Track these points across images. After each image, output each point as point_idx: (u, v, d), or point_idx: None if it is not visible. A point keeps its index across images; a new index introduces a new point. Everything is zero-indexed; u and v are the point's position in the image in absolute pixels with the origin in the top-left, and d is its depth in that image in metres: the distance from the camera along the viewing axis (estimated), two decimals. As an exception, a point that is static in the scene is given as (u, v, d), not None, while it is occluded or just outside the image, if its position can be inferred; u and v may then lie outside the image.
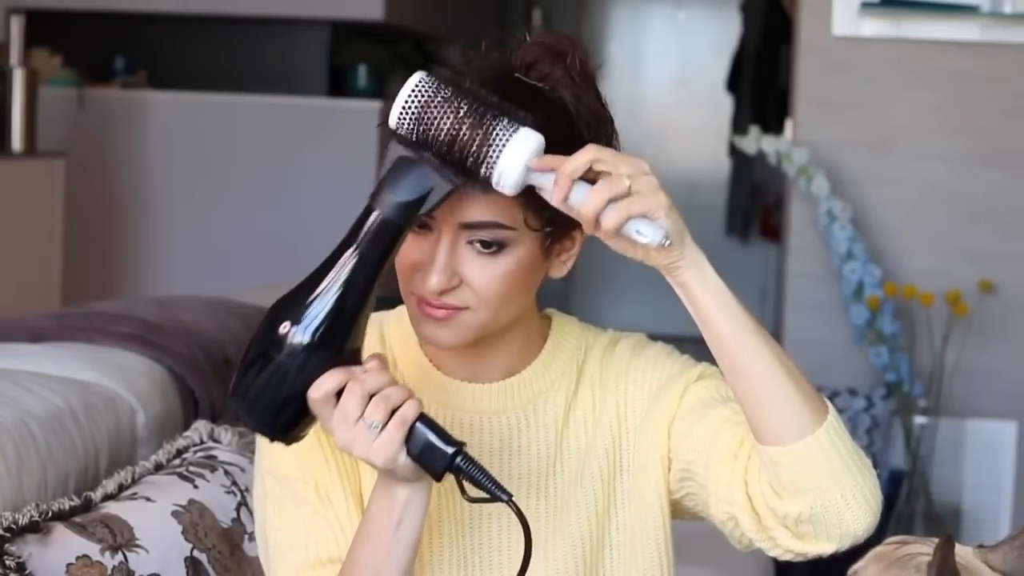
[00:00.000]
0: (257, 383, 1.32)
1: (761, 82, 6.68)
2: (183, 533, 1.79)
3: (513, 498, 1.34)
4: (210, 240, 5.21)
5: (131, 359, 2.20)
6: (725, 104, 7.13)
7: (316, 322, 1.31)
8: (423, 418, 1.33)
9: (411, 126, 1.33)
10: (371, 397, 1.31)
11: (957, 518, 3.93)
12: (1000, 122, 3.97)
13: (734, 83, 6.98)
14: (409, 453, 1.33)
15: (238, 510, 1.89)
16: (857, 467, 1.39)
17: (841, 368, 3.98)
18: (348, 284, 1.32)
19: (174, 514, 1.80)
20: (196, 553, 1.79)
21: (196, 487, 1.87)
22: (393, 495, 1.37)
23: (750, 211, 7.17)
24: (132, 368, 2.16)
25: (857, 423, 3.85)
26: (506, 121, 1.32)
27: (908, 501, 3.84)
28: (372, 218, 1.33)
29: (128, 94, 5.34)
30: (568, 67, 1.42)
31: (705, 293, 1.36)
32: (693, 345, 1.54)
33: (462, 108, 1.32)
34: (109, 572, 1.67)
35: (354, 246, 1.33)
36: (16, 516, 1.64)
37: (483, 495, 1.34)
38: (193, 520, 1.82)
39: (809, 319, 4.02)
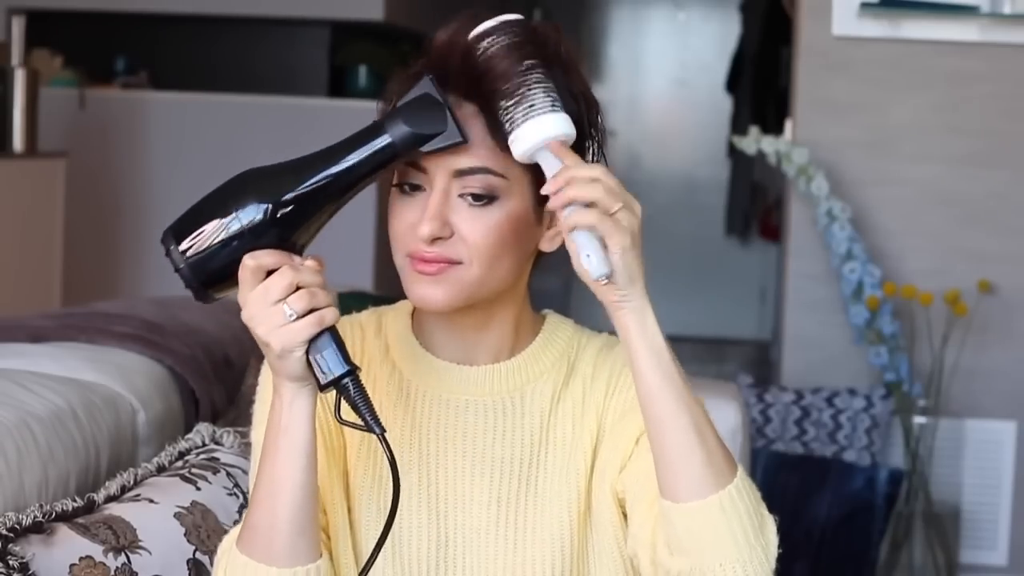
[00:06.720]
0: (208, 238, 1.36)
1: (761, 82, 6.69)
2: (186, 535, 1.79)
3: (386, 433, 1.37)
4: (210, 240, 5.20)
5: (132, 359, 2.20)
6: (725, 104, 7.13)
7: (285, 204, 1.36)
8: (334, 331, 1.37)
9: (486, 49, 1.39)
10: (298, 288, 1.35)
11: (957, 518, 3.93)
12: (1000, 122, 3.97)
13: (734, 83, 6.98)
14: (307, 352, 1.36)
15: (240, 512, 1.90)
16: (747, 540, 1.38)
17: (841, 368, 3.98)
18: (328, 184, 1.37)
19: (176, 516, 1.80)
20: (199, 555, 1.79)
21: (198, 489, 1.87)
22: (280, 393, 1.39)
23: (750, 211, 7.17)
24: (133, 368, 2.17)
25: (857, 423, 3.86)
26: (555, 97, 1.38)
27: (908, 501, 3.84)
28: (378, 136, 1.37)
29: (128, 94, 5.34)
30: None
31: (641, 343, 1.38)
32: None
33: (530, 63, 1.37)
34: (112, 573, 1.67)
35: (351, 153, 1.38)
36: (20, 516, 1.64)
37: (356, 421, 1.37)
38: (195, 522, 1.82)
39: (809, 319, 4.02)
